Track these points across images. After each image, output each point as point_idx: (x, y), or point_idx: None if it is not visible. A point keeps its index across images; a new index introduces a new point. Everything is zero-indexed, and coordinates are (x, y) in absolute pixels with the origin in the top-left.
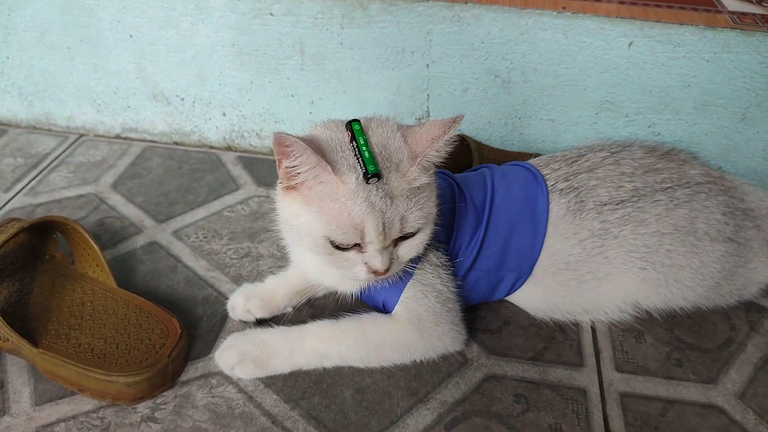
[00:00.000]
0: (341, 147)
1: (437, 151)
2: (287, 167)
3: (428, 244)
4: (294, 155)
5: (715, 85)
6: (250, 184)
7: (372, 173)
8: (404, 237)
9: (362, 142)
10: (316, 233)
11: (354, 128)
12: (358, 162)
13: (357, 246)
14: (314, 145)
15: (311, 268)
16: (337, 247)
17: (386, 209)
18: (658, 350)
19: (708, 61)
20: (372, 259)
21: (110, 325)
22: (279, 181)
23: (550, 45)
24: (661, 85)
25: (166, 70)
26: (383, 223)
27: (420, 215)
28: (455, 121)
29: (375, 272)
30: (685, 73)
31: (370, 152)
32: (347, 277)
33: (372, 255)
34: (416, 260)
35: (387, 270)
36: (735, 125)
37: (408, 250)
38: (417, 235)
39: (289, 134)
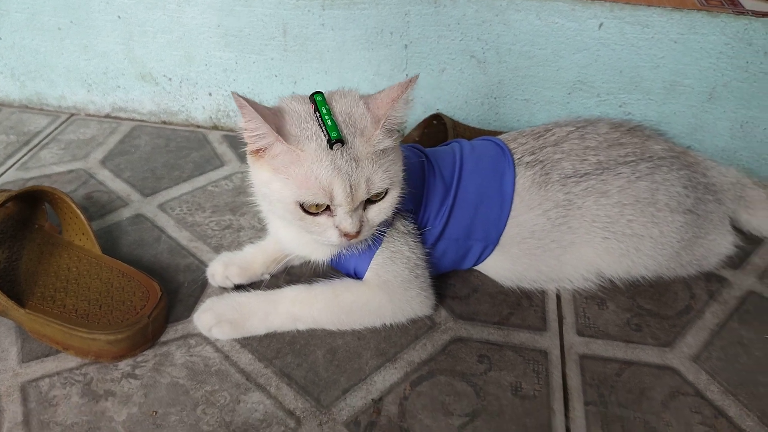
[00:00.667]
0: (307, 117)
1: (397, 112)
2: (244, 128)
3: (397, 211)
4: (246, 116)
5: (683, 66)
6: (235, 161)
7: (335, 139)
8: (373, 201)
9: (324, 111)
10: (287, 199)
11: (316, 99)
12: (322, 130)
13: (327, 211)
14: (268, 114)
15: (285, 238)
16: (309, 213)
17: (352, 172)
18: (619, 316)
19: (676, 42)
20: (343, 222)
21: (94, 288)
22: (246, 148)
23: (523, 26)
24: (631, 66)
25: (154, 51)
26: (350, 185)
27: (386, 176)
28: (411, 81)
29: (347, 235)
30: (654, 54)
31: (332, 120)
32: (321, 242)
33: (342, 218)
34: (386, 227)
35: (358, 233)
36: (702, 105)
37: (377, 213)
38: (385, 199)
39: (244, 97)
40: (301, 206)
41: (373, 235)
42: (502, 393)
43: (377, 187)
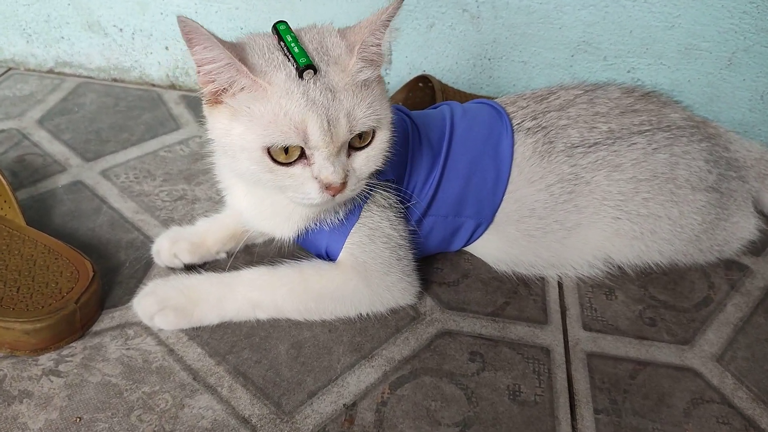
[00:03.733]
0: (272, 48)
1: (376, 38)
2: (198, 65)
3: (375, 182)
4: (200, 43)
5: (701, 27)
6: (192, 123)
7: (305, 65)
8: (359, 148)
9: (290, 39)
10: (251, 145)
11: (279, 28)
12: (288, 59)
13: (303, 159)
14: (227, 43)
15: (246, 209)
16: (279, 163)
17: (329, 104)
18: (629, 308)
19: None
20: (323, 170)
21: (12, 266)
22: (201, 94)
23: None
24: (643, 25)
25: None
26: (327, 120)
27: (370, 113)
28: (394, 4)
29: (330, 188)
30: (669, 12)
31: (300, 47)
32: (299, 201)
33: (322, 164)
34: (363, 197)
35: (344, 185)
36: (720, 72)
37: (365, 161)
38: (373, 144)
39: (194, 21)
40: (270, 154)
41: (352, 203)
42: (497, 398)
43: (361, 123)
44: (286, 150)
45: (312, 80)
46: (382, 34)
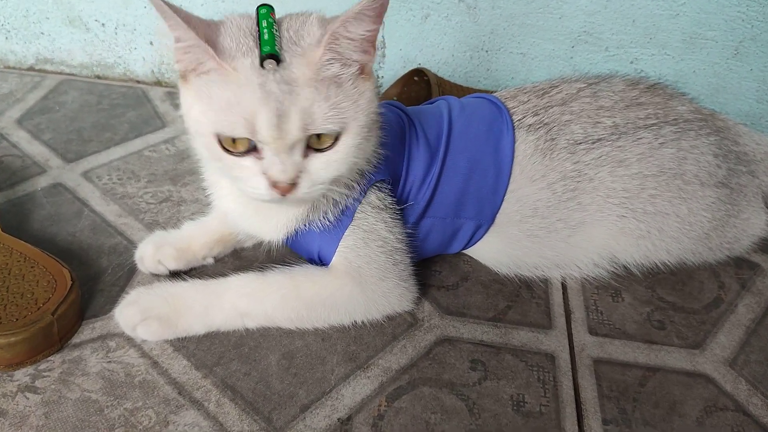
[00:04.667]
0: (247, 32)
1: (352, 29)
2: (174, 41)
3: (368, 182)
4: (167, 21)
5: (707, 15)
6: (179, 121)
7: (266, 53)
8: (320, 150)
9: (265, 24)
10: (204, 129)
11: (259, 11)
12: (257, 45)
13: (255, 152)
14: (198, 24)
15: (232, 209)
16: (230, 152)
17: (283, 98)
18: (637, 311)
19: None
20: (271, 167)
21: None
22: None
23: None
24: (646, 14)
25: None
26: (277, 115)
27: (334, 114)
28: None
29: (277, 186)
30: (674, 0)
31: (272, 34)
32: (249, 194)
33: (271, 160)
34: (354, 199)
35: (294, 186)
36: (727, 62)
37: (323, 165)
38: (336, 148)
39: (166, 1)
40: (220, 141)
41: (341, 204)
42: (501, 409)
43: (319, 124)
44: (234, 140)
45: (274, 71)
46: (360, 25)
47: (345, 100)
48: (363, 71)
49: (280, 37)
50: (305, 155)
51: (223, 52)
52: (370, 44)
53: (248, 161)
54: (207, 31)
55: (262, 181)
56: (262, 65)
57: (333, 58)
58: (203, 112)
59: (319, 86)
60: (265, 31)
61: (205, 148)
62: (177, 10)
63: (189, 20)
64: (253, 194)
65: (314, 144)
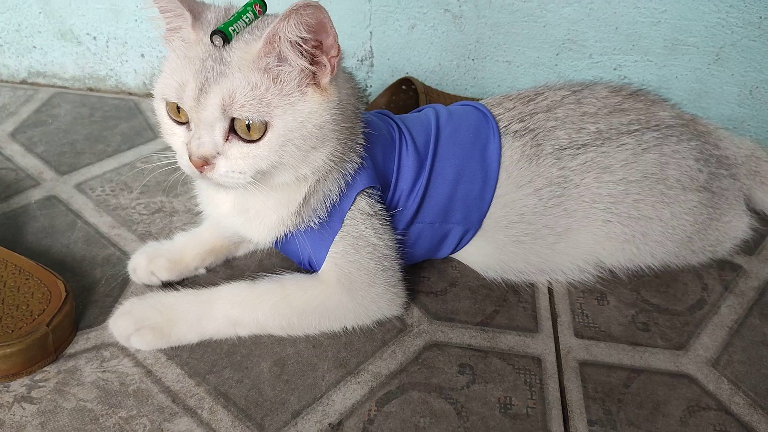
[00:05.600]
0: (226, 14)
1: (287, 32)
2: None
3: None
4: None
5: (687, 22)
6: None
7: (218, 29)
8: (247, 141)
9: (242, 9)
10: (156, 91)
11: (246, 3)
12: None
13: (188, 125)
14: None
15: (222, 211)
16: (173, 120)
17: (212, 74)
18: (622, 313)
19: None
20: (192, 139)
21: None
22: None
23: None
24: (629, 22)
25: (74, 3)
26: (199, 88)
27: (254, 103)
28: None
29: (191, 159)
30: (655, 8)
31: (236, 18)
32: (179, 164)
33: (193, 132)
34: (335, 204)
35: (207, 163)
36: (708, 67)
37: (241, 154)
38: (261, 142)
39: None
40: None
41: (326, 207)
42: (488, 412)
43: (238, 108)
44: (179, 110)
45: (219, 49)
46: (291, 30)
47: (276, 96)
48: (316, 82)
49: (245, 26)
50: (227, 139)
51: (199, 21)
52: (320, 55)
53: (180, 130)
54: (191, 2)
55: (185, 153)
56: (211, 39)
57: (271, 52)
58: (160, 75)
59: (251, 75)
60: (236, 14)
61: (158, 113)
62: None
63: None
64: (181, 166)
65: (243, 134)
